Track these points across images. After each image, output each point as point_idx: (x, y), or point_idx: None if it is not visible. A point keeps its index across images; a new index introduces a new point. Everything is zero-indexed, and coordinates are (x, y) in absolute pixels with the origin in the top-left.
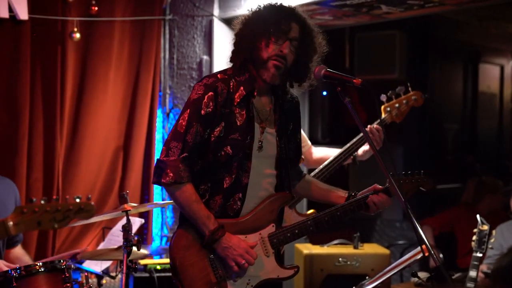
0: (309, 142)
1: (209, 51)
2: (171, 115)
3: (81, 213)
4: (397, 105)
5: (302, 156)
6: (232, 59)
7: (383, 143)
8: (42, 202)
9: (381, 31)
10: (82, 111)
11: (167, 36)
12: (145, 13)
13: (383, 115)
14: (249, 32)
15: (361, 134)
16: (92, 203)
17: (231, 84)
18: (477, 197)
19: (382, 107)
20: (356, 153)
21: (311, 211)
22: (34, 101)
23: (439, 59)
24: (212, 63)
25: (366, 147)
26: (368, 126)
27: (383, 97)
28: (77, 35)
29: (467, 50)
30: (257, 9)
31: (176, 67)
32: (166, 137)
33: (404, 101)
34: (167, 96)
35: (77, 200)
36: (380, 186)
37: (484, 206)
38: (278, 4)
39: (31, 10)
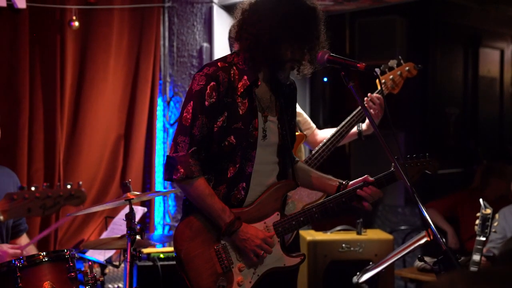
0: (313, 125)
1: (209, 38)
2: (171, 103)
3: (72, 200)
4: (391, 77)
5: (305, 133)
6: (247, 53)
7: (384, 112)
8: (33, 189)
9: (381, 16)
10: (82, 99)
11: (167, 23)
12: (144, 1)
13: (379, 88)
14: (276, 31)
15: (359, 108)
16: (83, 189)
17: (232, 72)
18: (484, 183)
19: (377, 80)
20: (361, 128)
21: None
22: (33, 90)
23: (440, 44)
24: (212, 50)
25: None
26: (368, 94)
27: (377, 71)
28: (76, 24)
29: (468, 34)
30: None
31: (176, 55)
32: (167, 125)
33: (398, 73)
34: (168, 84)
35: (68, 187)
36: (371, 178)
37: (491, 191)
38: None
39: None
